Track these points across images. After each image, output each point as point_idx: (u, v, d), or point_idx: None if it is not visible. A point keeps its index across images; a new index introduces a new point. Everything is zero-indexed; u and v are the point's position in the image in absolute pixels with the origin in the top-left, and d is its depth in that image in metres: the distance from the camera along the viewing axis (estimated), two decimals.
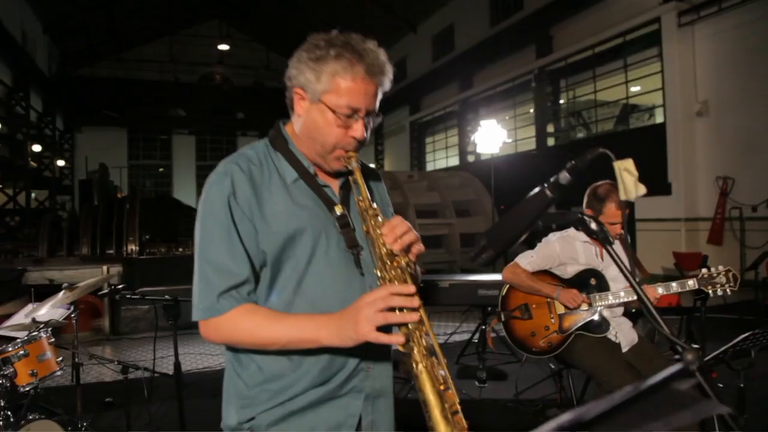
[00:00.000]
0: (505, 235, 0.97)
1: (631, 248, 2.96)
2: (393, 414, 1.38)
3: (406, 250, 1.18)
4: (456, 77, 16.62)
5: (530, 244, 3.13)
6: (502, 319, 3.04)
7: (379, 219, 1.19)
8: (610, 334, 2.85)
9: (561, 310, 2.92)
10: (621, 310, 2.91)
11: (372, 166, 1.61)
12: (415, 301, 1.05)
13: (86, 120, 20.87)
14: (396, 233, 1.15)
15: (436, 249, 10.54)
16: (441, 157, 18.89)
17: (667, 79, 10.29)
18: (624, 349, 2.84)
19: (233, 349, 1.29)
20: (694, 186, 10.15)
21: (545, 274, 2.99)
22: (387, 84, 1.27)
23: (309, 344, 1.17)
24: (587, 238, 2.88)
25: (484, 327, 4.75)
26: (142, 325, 7.05)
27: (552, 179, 0.92)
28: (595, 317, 2.86)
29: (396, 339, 1.06)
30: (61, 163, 18.99)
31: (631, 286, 0.81)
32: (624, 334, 2.87)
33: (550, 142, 13.65)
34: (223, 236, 1.21)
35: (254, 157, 1.28)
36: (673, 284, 2.74)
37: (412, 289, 1.06)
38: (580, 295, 2.83)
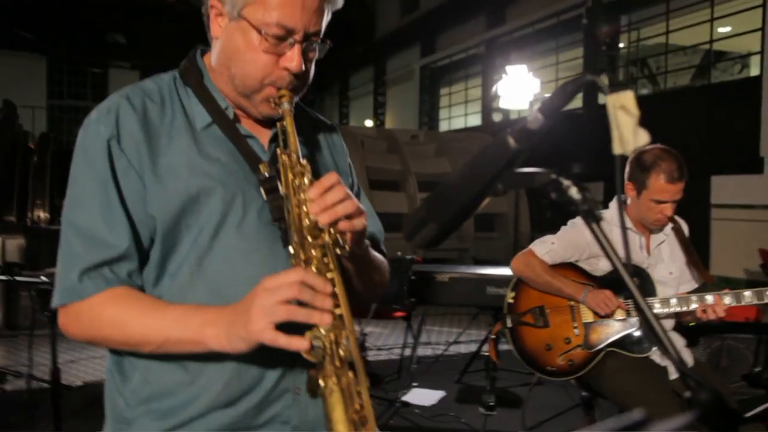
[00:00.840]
0: (453, 204, 0.90)
1: (689, 241, 2.90)
2: None
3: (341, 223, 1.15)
4: (483, 9, 16.56)
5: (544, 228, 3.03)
6: (509, 324, 3.03)
7: (306, 181, 1.17)
8: (654, 355, 2.83)
9: (588, 318, 2.90)
10: (671, 323, 2.89)
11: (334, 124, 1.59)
12: (329, 302, 1.04)
13: None
14: (326, 201, 1.11)
15: None
16: (458, 114, 19.02)
17: None
18: (672, 376, 2.81)
19: (116, 352, 1.28)
20: None
21: (569, 268, 2.96)
22: None
23: (192, 346, 1.16)
24: (631, 224, 2.86)
25: (494, 336, 4.71)
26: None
27: (518, 122, 0.87)
28: (635, 331, 2.83)
29: (297, 343, 1.03)
30: None
31: (625, 279, 0.79)
32: None
33: (603, 99, 13.56)
34: (98, 193, 1.20)
35: (154, 91, 1.28)
36: (747, 293, 2.72)
37: (328, 286, 1.05)
38: (614, 299, 2.80)
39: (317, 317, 1.03)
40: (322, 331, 1.03)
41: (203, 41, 1.36)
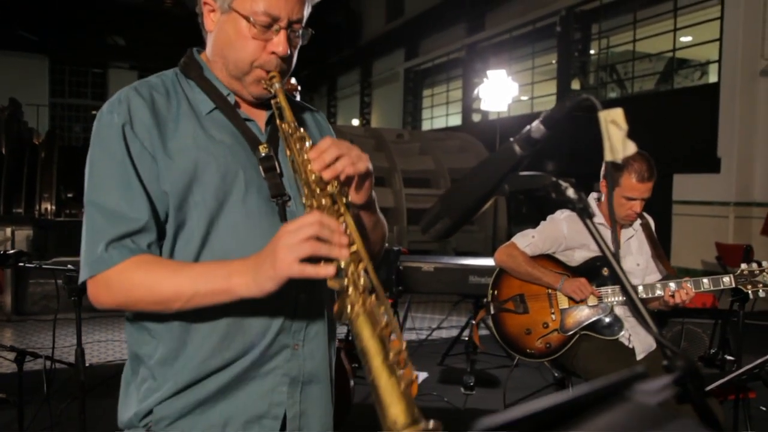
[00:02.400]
0: (464, 201, 0.95)
1: (656, 236, 2.95)
2: (331, 407, 1.39)
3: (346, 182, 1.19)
4: (464, 16, 16.56)
5: (536, 221, 3.11)
6: (492, 311, 3.05)
7: (307, 144, 1.21)
8: (623, 337, 2.87)
9: (564, 304, 2.94)
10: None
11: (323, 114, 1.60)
12: (345, 238, 1.07)
13: None
14: (325, 159, 1.15)
15: None
16: (440, 114, 18.94)
17: (727, 27, 10.23)
18: (639, 356, 2.86)
19: (132, 318, 1.30)
20: (750, 163, 10.19)
21: (547, 259, 3.00)
22: None
23: (221, 296, 1.16)
24: (603, 220, 2.89)
25: (474, 322, 4.76)
26: (56, 303, 6.99)
27: (523, 132, 0.91)
28: (606, 316, 2.87)
29: (325, 270, 1.05)
30: None
31: (615, 271, 0.77)
32: (640, 338, 2.89)
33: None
34: (116, 174, 1.21)
35: (159, 84, 1.31)
36: (705, 280, 2.76)
37: (344, 217, 1.09)
38: (588, 286, 2.84)
39: (336, 251, 1.05)
40: (342, 264, 1.06)
41: (198, 43, 1.40)
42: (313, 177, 1.16)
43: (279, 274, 1.08)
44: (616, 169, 2.73)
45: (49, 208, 9.00)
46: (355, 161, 1.17)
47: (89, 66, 22.98)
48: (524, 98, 14.79)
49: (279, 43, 1.25)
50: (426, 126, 19.41)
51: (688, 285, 2.72)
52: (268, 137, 1.34)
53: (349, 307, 1.02)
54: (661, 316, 4.09)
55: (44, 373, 3.25)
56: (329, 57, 21.56)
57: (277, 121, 1.28)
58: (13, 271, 6.55)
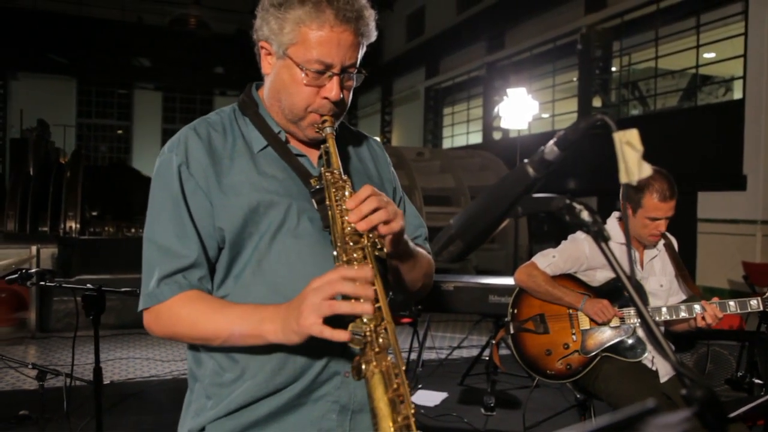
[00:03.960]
0: (477, 224, 0.94)
1: (679, 256, 2.91)
2: None
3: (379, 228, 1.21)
4: (484, 35, 16.60)
5: (558, 239, 3.07)
6: (511, 331, 3.02)
7: (346, 193, 1.23)
8: (646, 360, 2.83)
9: (585, 325, 2.90)
10: (662, 330, 2.84)
11: (377, 138, 1.63)
12: (371, 291, 1.08)
13: (24, 64, 20.77)
14: (362, 211, 1.17)
15: None
16: (461, 132, 18.94)
17: (751, 43, 10.13)
18: (662, 379, 2.81)
19: (193, 346, 1.37)
20: None
21: (568, 279, 2.96)
22: (369, 32, 1.32)
23: (253, 340, 1.22)
24: (625, 240, 2.82)
25: (494, 342, 4.71)
26: (81, 321, 7.06)
27: (536, 154, 0.90)
28: (628, 337, 2.83)
29: (339, 335, 1.08)
30: None
31: (628, 293, 0.75)
32: (663, 361, 2.80)
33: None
34: (171, 212, 1.29)
35: (217, 122, 1.38)
36: (731, 303, 2.71)
37: (369, 273, 1.09)
38: (611, 308, 2.80)
39: (359, 308, 1.07)
40: (365, 319, 1.08)
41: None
42: (349, 229, 1.19)
43: (302, 332, 1.13)
44: (637, 190, 2.70)
45: (73, 226, 9.12)
46: (391, 217, 1.19)
47: (115, 87, 23.39)
48: (545, 116, 14.75)
49: (332, 88, 1.29)
50: (447, 144, 19.43)
51: (716, 307, 2.66)
52: (319, 171, 1.36)
53: (364, 365, 1.05)
54: (687, 339, 4.01)
55: (64, 391, 3.28)
56: None
57: (322, 169, 1.30)
58: (37, 289, 6.63)
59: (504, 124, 10.12)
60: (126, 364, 5.74)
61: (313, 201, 1.31)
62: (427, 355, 5.79)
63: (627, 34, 12.94)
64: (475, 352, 5.74)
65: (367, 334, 1.07)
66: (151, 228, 1.31)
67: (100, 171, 12.40)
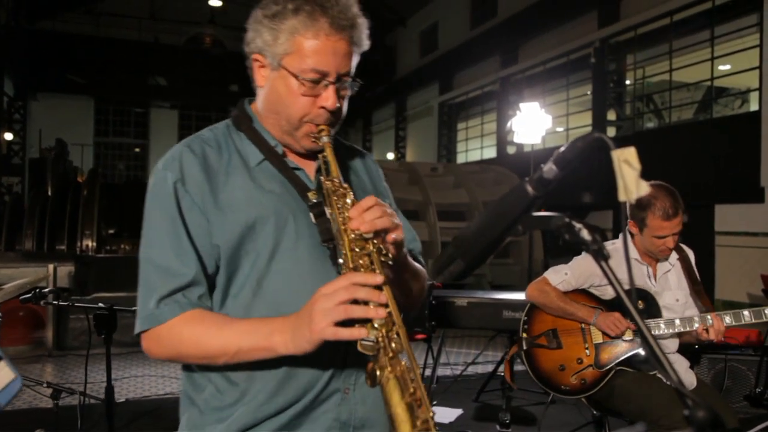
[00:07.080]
0: (477, 243, 0.95)
1: (694, 270, 2.88)
2: None
3: (383, 236, 1.19)
4: (497, 49, 16.57)
5: (573, 253, 3.05)
6: (524, 346, 3.02)
7: (348, 201, 1.22)
8: (660, 373, 2.76)
9: (599, 339, 2.89)
10: (675, 344, 2.87)
11: (371, 154, 1.64)
12: (383, 296, 1.07)
13: (43, 85, 21.02)
14: (365, 218, 1.16)
15: None
16: (475, 147, 18.89)
17: (767, 55, 10.06)
18: None
19: (188, 368, 1.34)
20: None
21: (580, 293, 2.96)
22: (363, 40, 1.31)
23: (262, 353, 1.20)
24: (638, 255, 2.85)
25: (508, 358, 4.68)
26: (95, 338, 7.11)
27: (535, 173, 0.91)
28: (642, 350, 2.82)
29: (358, 333, 1.07)
30: (9, 136, 19.04)
31: (628, 307, 0.75)
32: (679, 373, 2.77)
33: (611, 132, 13.48)
34: (167, 230, 1.26)
35: (211, 138, 1.36)
36: (746, 313, 2.68)
37: (378, 279, 1.08)
38: (623, 320, 2.78)
39: (372, 312, 1.06)
40: (376, 325, 1.07)
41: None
42: (353, 236, 1.17)
43: (314, 338, 1.11)
44: (640, 209, 2.69)
45: (90, 244, 9.21)
46: (394, 227, 1.18)
47: (132, 106, 23.67)
48: (559, 129, 14.71)
49: (328, 97, 1.28)
50: (461, 159, 19.38)
51: (722, 319, 2.64)
52: (317, 184, 1.35)
53: (379, 371, 1.04)
54: (697, 352, 3.96)
55: (78, 409, 3.30)
56: (364, 92, 21.82)
57: (322, 177, 1.29)
58: (54, 307, 6.69)
59: (517, 138, 10.11)
60: (141, 381, 5.77)
61: (311, 215, 1.30)
62: (442, 371, 5.77)
63: (641, 47, 12.90)
64: (490, 367, 5.71)
65: (380, 339, 1.06)
66: (147, 247, 1.28)
67: (116, 189, 12.50)
